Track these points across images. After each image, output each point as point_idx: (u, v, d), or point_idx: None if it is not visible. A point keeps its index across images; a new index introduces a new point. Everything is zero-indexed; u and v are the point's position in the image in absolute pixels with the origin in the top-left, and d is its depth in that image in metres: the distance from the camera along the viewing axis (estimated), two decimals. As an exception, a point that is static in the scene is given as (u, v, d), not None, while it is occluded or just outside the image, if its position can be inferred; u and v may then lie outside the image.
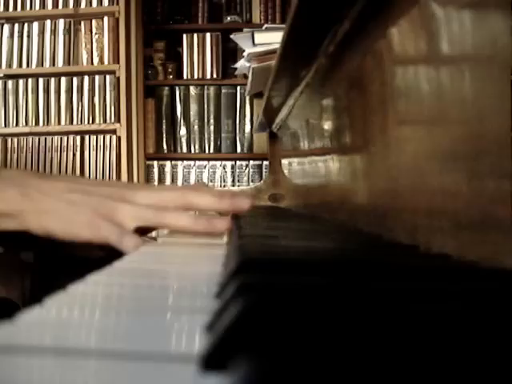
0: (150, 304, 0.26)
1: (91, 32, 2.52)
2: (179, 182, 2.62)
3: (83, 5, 2.51)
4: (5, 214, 0.49)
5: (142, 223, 0.50)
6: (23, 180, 0.52)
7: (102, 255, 0.65)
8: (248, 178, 2.62)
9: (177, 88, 2.68)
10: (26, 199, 0.49)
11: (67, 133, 2.51)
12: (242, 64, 1.53)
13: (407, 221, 0.47)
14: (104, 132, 2.49)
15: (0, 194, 0.49)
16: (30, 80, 2.53)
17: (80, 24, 2.53)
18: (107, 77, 2.48)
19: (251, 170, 2.63)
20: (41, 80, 2.53)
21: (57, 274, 0.70)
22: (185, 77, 2.67)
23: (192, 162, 2.66)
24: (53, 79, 2.52)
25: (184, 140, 2.68)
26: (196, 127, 2.67)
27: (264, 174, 2.56)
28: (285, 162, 1.51)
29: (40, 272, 0.70)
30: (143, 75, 2.64)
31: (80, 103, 2.51)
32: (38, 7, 2.53)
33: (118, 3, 2.47)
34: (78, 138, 2.50)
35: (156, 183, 2.63)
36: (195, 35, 2.64)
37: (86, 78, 2.50)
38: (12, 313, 0.21)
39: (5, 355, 0.17)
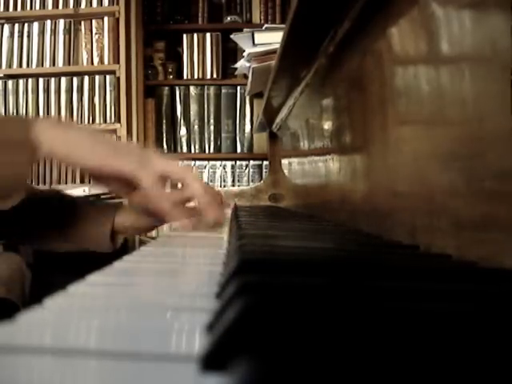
0: (150, 304, 0.26)
1: (91, 32, 2.51)
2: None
3: (83, 5, 2.51)
4: (37, 142, 0.55)
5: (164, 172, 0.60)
6: (54, 119, 0.61)
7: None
8: (248, 178, 2.62)
9: (177, 88, 2.67)
10: (55, 130, 0.57)
11: (67, 133, 2.51)
12: (242, 64, 1.53)
13: (407, 221, 0.47)
14: (104, 132, 2.49)
15: (34, 126, 0.55)
16: (30, 80, 2.53)
17: (80, 24, 2.53)
18: (107, 77, 2.48)
19: (251, 170, 2.63)
20: (41, 80, 2.53)
21: (59, 274, 0.70)
22: (185, 77, 2.66)
23: (192, 162, 2.66)
24: (53, 79, 2.52)
25: (184, 140, 2.67)
26: (196, 127, 2.67)
27: (264, 173, 2.56)
28: (285, 161, 1.51)
29: (40, 272, 0.71)
30: (143, 75, 2.64)
31: (80, 103, 2.50)
32: (38, 7, 2.53)
33: (118, 3, 2.47)
34: (78, 138, 2.50)
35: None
36: (195, 35, 2.64)
37: (86, 77, 2.50)
38: (12, 313, 0.21)
39: (5, 355, 0.17)
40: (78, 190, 1.65)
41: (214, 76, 2.64)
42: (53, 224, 0.68)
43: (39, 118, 0.58)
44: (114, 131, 2.47)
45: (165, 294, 0.29)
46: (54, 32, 2.53)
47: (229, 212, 0.85)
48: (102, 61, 2.50)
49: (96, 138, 0.59)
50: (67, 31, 2.53)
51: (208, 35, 2.64)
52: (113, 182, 0.62)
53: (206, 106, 2.66)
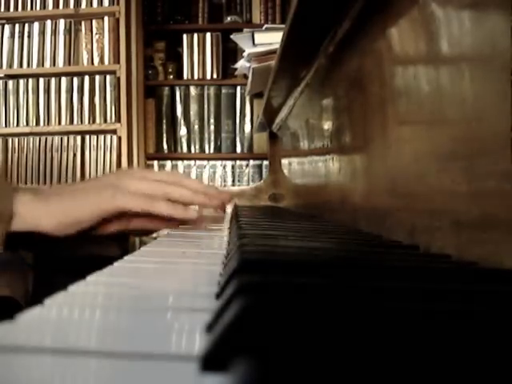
0: (150, 304, 0.26)
1: (92, 32, 2.52)
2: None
3: (84, 5, 2.51)
4: (20, 215, 0.57)
5: (131, 207, 0.61)
6: (34, 189, 0.63)
7: (119, 253, 0.70)
8: (248, 178, 2.62)
9: (177, 88, 2.68)
10: (38, 201, 0.58)
11: (68, 133, 2.51)
12: (242, 64, 1.53)
13: (407, 221, 0.47)
14: (104, 132, 2.49)
15: (18, 197, 0.57)
16: (30, 80, 2.53)
17: (80, 24, 2.53)
18: (107, 77, 2.48)
19: (251, 170, 2.63)
20: (41, 80, 2.53)
21: (59, 274, 0.71)
22: (185, 77, 2.67)
23: (192, 162, 2.67)
24: (53, 79, 2.52)
25: (184, 140, 2.68)
26: (196, 127, 2.67)
27: (264, 173, 2.56)
28: (285, 161, 1.51)
29: (43, 272, 0.71)
30: (143, 75, 2.64)
31: (80, 103, 2.50)
32: (38, 7, 2.53)
33: (118, 3, 2.47)
34: (79, 137, 2.50)
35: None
36: (195, 35, 2.64)
37: (87, 77, 2.50)
38: (15, 312, 0.21)
39: (4, 355, 0.17)
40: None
41: (214, 76, 2.64)
42: None
43: (17, 187, 0.60)
44: (114, 131, 2.47)
45: (165, 293, 0.29)
46: (54, 32, 2.53)
47: (228, 208, 0.86)
48: (102, 61, 2.50)
49: (68, 196, 0.61)
50: (67, 31, 2.53)
51: (208, 35, 2.64)
52: (109, 224, 0.64)
53: (206, 105, 2.66)
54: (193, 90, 2.67)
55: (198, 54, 2.64)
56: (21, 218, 0.57)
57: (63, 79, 2.52)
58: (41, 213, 0.58)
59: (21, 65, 2.54)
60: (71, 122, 2.51)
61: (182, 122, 2.68)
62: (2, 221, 0.55)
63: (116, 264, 0.37)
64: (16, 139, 2.52)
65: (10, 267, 0.67)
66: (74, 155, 2.50)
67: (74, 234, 0.61)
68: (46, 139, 2.52)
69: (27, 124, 2.53)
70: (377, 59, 0.55)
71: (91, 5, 2.51)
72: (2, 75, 2.57)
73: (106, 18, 2.49)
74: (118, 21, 2.48)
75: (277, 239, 0.50)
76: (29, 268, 0.69)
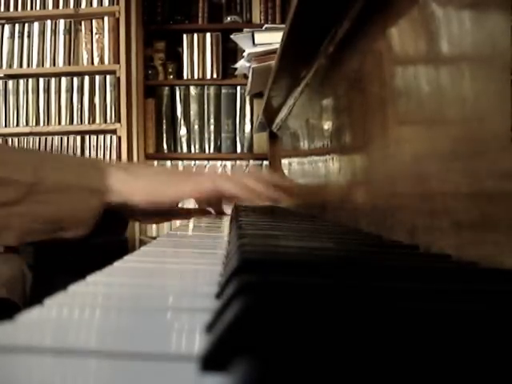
0: (150, 304, 0.26)
1: (91, 32, 2.51)
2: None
3: (83, 5, 2.51)
4: (114, 189, 0.66)
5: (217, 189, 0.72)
6: (124, 164, 0.73)
7: (124, 239, 0.78)
8: (248, 178, 2.62)
9: (177, 88, 2.67)
10: (131, 178, 0.68)
11: (67, 133, 2.51)
12: (242, 64, 1.53)
13: (407, 221, 0.47)
14: (104, 132, 2.49)
15: (113, 174, 0.66)
16: (30, 80, 2.53)
17: (80, 24, 2.53)
18: (107, 77, 2.48)
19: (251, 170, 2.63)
20: (41, 80, 2.53)
21: (59, 274, 0.72)
22: (185, 77, 2.66)
23: (192, 162, 2.66)
24: (53, 79, 2.52)
25: (184, 140, 2.67)
26: (196, 127, 2.67)
27: (264, 173, 2.56)
28: (285, 161, 1.51)
29: (43, 272, 0.72)
30: (143, 75, 2.64)
31: (80, 103, 2.50)
32: (38, 7, 2.53)
33: (118, 3, 2.46)
34: (79, 138, 2.50)
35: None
36: (195, 35, 2.64)
37: (87, 77, 2.50)
38: (13, 313, 0.21)
39: (4, 355, 0.17)
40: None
41: (214, 76, 2.64)
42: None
43: (111, 164, 0.71)
44: (114, 131, 2.47)
45: (165, 293, 0.29)
46: (54, 32, 2.53)
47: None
48: (102, 61, 2.50)
49: (159, 176, 0.72)
50: (67, 31, 2.53)
51: (208, 35, 2.64)
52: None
53: (206, 106, 2.66)
54: (193, 90, 2.67)
55: (197, 54, 2.64)
56: (116, 192, 0.66)
57: (63, 79, 2.52)
58: (132, 188, 0.68)
59: (21, 65, 2.54)
60: (71, 122, 2.51)
61: (182, 121, 2.68)
62: (97, 194, 0.65)
63: (116, 264, 0.37)
64: (16, 139, 2.52)
65: (9, 268, 0.68)
66: (74, 155, 2.50)
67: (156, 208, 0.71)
68: (46, 139, 2.51)
69: (27, 124, 2.53)
70: (377, 59, 0.55)
71: (91, 5, 2.51)
72: (1, 75, 2.57)
73: (105, 18, 2.49)
74: (117, 21, 2.47)
75: (277, 239, 0.50)
76: (27, 268, 0.70)
